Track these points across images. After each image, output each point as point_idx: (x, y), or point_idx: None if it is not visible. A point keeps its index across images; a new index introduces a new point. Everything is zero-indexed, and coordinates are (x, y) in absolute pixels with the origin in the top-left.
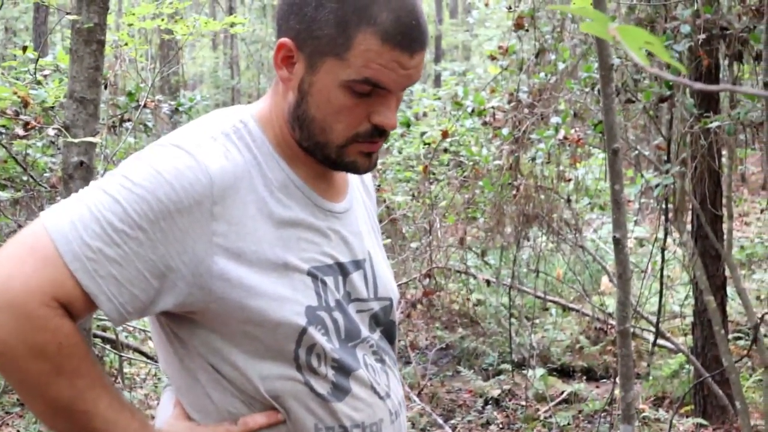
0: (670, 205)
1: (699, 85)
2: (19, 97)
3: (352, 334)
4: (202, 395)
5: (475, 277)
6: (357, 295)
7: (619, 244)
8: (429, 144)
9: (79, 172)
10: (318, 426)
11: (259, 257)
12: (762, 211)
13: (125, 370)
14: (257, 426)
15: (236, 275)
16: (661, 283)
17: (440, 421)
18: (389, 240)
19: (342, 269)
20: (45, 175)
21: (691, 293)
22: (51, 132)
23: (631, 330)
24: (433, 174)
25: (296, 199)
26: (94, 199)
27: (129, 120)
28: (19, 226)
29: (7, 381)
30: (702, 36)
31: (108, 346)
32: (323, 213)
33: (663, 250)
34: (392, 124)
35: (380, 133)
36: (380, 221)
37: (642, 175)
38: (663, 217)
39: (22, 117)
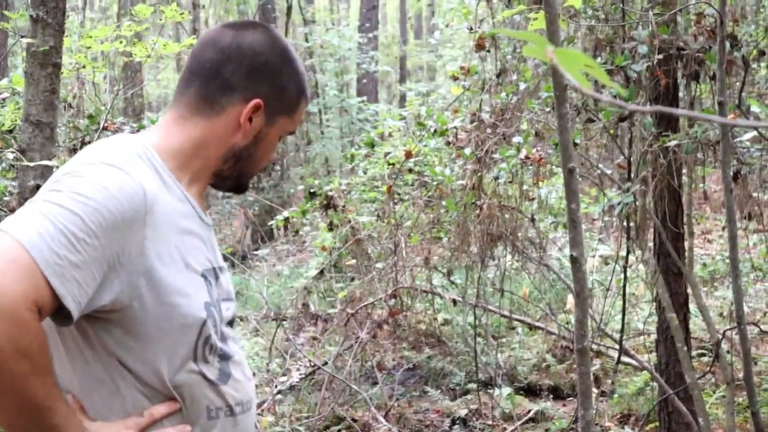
0: (632, 224)
1: (632, 107)
2: None
3: (225, 327)
4: (108, 394)
5: (441, 297)
6: (224, 295)
7: (576, 262)
8: (393, 164)
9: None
10: (210, 407)
11: (172, 259)
12: (723, 228)
13: None
14: (160, 416)
15: (158, 274)
16: (624, 301)
17: None
18: (354, 260)
19: (215, 273)
20: (5, 198)
21: (654, 311)
22: (10, 155)
23: (595, 348)
24: (398, 194)
25: (190, 213)
26: (53, 212)
27: (90, 143)
28: None
29: None
30: (659, 56)
31: None
32: (204, 225)
33: (625, 268)
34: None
35: None
36: (345, 241)
37: (605, 194)
38: (625, 236)
39: None
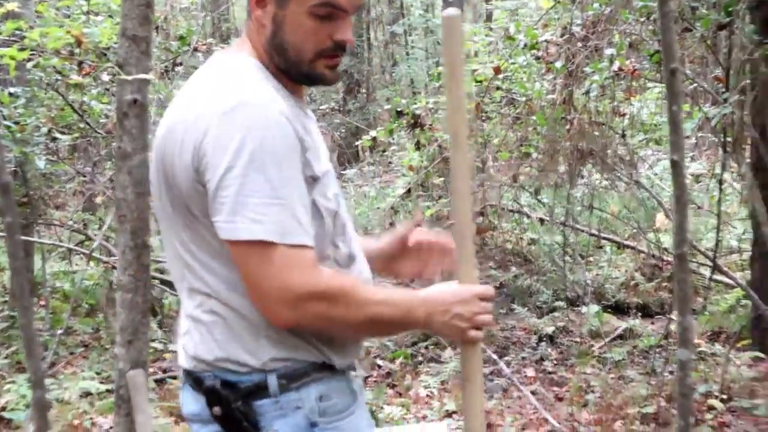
0: (729, 138)
1: None
2: (72, 36)
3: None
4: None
5: (528, 216)
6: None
7: (676, 166)
8: (480, 82)
9: (133, 110)
10: None
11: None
12: None
13: None
14: None
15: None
16: (719, 217)
17: (495, 357)
18: (442, 179)
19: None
20: (101, 121)
21: (749, 228)
22: (105, 78)
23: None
24: (485, 112)
25: (299, 117)
26: None
27: (181, 64)
28: (77, 173)
29: None
30: None
31: (168, 288)
32: (305, 127)
33: (720, 182)
34: (350, 39)
35: (341, 49)
36: (432, 160)
37: (700, 109)
38: (721, 150)
39: (76, 57)
